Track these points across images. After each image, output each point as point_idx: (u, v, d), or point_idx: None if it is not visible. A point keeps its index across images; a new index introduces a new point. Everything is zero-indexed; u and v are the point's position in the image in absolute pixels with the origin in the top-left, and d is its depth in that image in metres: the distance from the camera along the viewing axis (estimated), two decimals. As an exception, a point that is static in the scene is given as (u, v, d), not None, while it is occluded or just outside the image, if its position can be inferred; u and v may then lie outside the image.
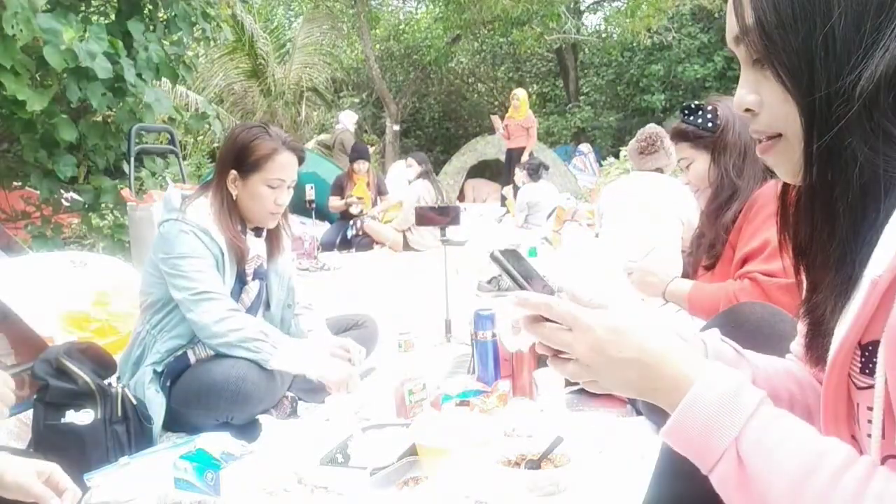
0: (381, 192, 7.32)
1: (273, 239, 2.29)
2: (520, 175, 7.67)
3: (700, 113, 2.08)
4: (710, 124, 2.06)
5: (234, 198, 2.11)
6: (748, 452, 0.60)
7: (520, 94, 9.65)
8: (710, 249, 2.05)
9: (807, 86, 0.63)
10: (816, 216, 0.68)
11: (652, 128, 4.14)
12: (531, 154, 9.09)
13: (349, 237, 6.78)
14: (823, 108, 0.62)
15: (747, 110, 0.72)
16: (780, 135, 0.69)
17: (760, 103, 0.69)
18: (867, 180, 0.60)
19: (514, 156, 9.23)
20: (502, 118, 9.69)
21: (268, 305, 2.30)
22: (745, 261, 1.90)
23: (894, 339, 0.55)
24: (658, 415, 0.67)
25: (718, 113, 2.06)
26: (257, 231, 2.23)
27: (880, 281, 0.57)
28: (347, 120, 10.50)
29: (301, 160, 2.18)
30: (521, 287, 0.77)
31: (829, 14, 0.61)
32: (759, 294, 1.79)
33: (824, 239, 0.67)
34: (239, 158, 2.09)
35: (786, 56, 0.64)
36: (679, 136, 2.13)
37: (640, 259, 2.18)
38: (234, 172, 2.09)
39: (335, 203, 7.00)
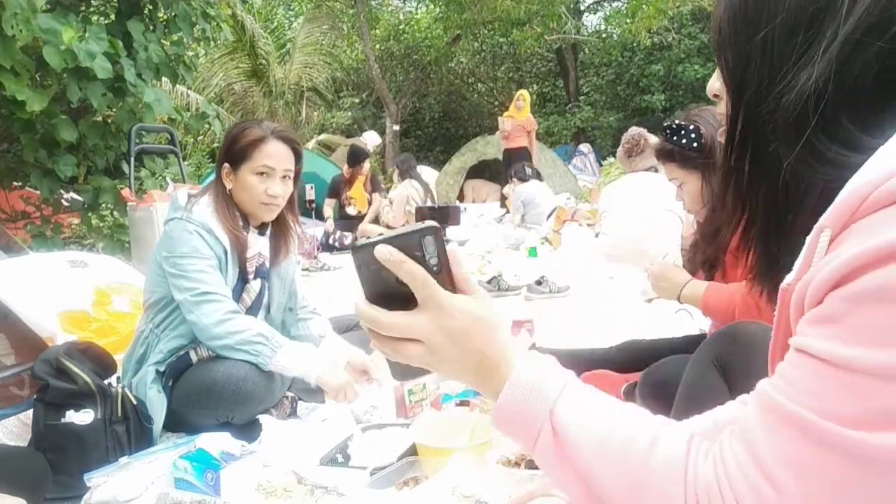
0: (374, 188, 7.36)
1: (279, 239, 2.25)
2: (512, 183, 7.71)
3: (683, 133, 1.98)
4: (695, 144, 1.96)
5: (229, 191, 2.10)
6: (561, 422, 0.63)
7: (526, 94, 9.66)
8: (709, 269, 2.02)
9: (739, 84, 0.65)
10: (730, 203, 0.69)
11: (633, 130, 4.17)
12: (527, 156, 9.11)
13: (331, 241, 6.79)
14: (751, 109, 0.64)
15: (715, 96, 0.75)
16: None
17: (721, 91, 0.72)
18: (791, 186, 0.62)
19: (512, 156, 9.22)
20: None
21: (268, 308, 2.28)
22: None
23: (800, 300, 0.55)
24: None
25: (702, 132, 1.96)
26: (261, 229, 2.20)
27: (788, 290, 0.58)
28: (371, 141, 10.43)
29: (296, 151, 2.14)
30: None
31: (772, 18, 0.61)
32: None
33: (745, 229, 0.69)
34: (229, 150, 2.09)
35: (730, 52, 0.66)
36: (665, 156, 2.03)
37: (656, 263, 2.12)
38: (227, 166, 2.09)
39: (328, 208, 7.08)
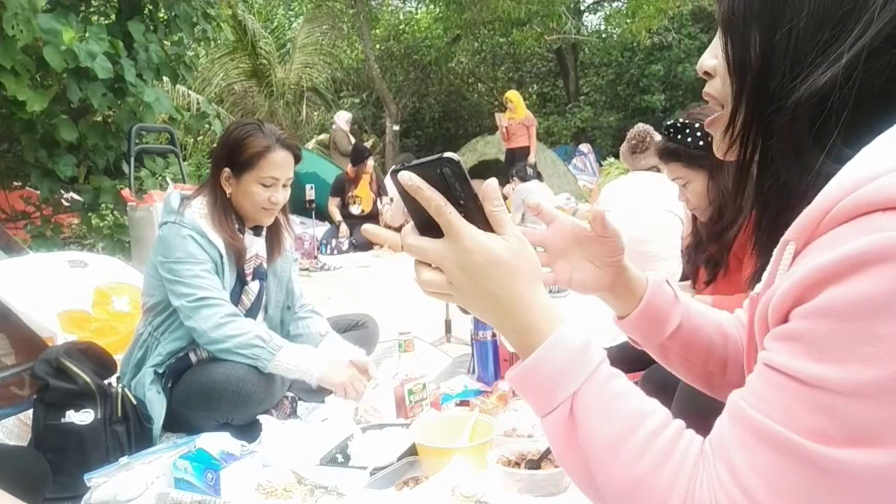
0: (381, 191, 7.33)
1: (273, 239, 2.25)
2: (513, 182, 7.69)
3: (687, 132, 1.96)
4: (700, 142, 1.93)
5: (229, 196, 2.09)
6: (580, 407, 0.62)
7: (512, 95, 9.63)
8: (713, 268, 2.01)
9: (749, 73, 0.62)
10: (741, 200, 0.69)
11: (640, 126, 4.15)
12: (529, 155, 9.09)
13: (348, 244, 6.78)
14: (763, 102, 0.61)
15: (706, 73, 0.70)
16: (722, 106, 0.68)
17: (718, 69, 0.68)
18: (789, 186, 0.60)
19: (516, 155, 9.20)
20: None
21: (266, 308, 2.28)
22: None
23: (764, 313, 0.55)
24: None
25: (707, 130, 1.94)
26: (257, 230, 2.20)
27: (755, 298, 0.58)
28: (340, 119, 10.49)
29: (298, 158, 2.14)
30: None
31: (798, 11, 0.58)
32: None
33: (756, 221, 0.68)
34: (232, 156, 2.06)
35: (742, 37, 0.62)
36: (669, 155, 2.01)
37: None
38: (227, 170, 2.07)
39: (333, 207, 7.03)
